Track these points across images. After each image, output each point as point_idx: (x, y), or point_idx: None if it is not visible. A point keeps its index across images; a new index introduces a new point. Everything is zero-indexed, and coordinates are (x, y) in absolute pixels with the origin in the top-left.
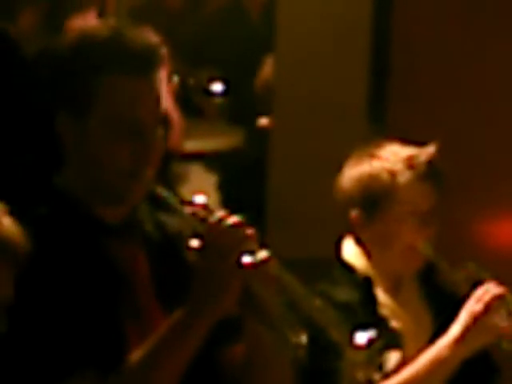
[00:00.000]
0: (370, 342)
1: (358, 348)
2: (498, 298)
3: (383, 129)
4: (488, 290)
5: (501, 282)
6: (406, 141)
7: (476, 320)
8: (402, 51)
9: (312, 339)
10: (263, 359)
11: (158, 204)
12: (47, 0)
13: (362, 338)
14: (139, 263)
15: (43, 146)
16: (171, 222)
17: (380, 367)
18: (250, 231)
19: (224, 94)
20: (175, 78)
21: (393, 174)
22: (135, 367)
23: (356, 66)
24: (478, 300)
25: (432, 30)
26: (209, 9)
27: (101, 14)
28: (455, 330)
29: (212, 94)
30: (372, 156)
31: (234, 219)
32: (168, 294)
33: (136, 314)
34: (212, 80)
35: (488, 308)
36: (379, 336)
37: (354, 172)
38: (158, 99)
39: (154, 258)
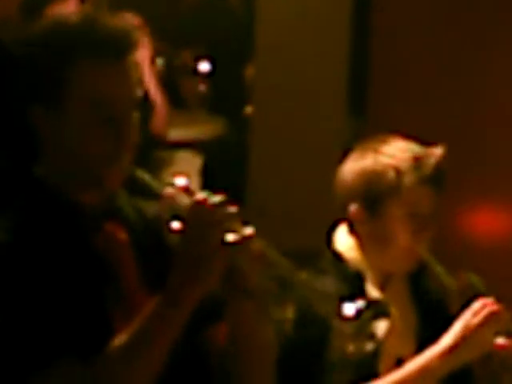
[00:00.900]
0: (359, 312)
1: (347, 319)
2: (494, 314)
3: (363, 121)
4: (486, 305)
5: (499, 298)
6: (410, 137)
7: (470, 333)
8: (382, 42)
9: (299, 313)
10: (248, 337)
11: (136, 189)
12: None
13: (349, 308)
14: (123, 248)
15: (17, 140)
16: (150, 206)
17: (371, 336)
18: (233, 209)
19: (211, 73)
20: (160, 60)
21: (399, 172)
22: (116, 354)
23: (337, 55)
24: (475, 313)
25: (412, 23)
26: None
27: (83, 1)
28: (447, 340)
29: (199, 74)
30: (377, 151)
31: (215, 198)
32: (152, 278)
33: (122, 299)
34: (198, 59)
35: (483, 323)
36: (367, 306)
37: (357, 165)
38: (133, 83)
39: (135, 242)
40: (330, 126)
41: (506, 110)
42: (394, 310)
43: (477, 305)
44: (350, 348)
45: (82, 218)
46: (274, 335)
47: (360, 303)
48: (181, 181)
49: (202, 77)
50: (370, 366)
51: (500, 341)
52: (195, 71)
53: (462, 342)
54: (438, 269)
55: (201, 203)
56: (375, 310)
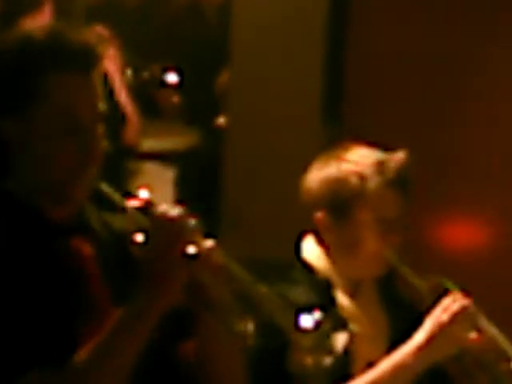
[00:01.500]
0: (317, 324)
1: (305, 331)
2: (464, 310)
3: (338, 129)
4: (455, 301)
5: (467, 293)
6: (362, 141)
7: (441, 329)
8: (356, 51)
9: (260, 327)
10: (216, 351)
11: (103, 203)
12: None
13: (307, 320)
14: (89, 262)
15: None
16: (116, 220)
17: (330, 351)
18: (193, 222)
19: (179, 85)
20: (128, 72)
21: (362, 178)
22: (83, 364)
23: (312, 64)
24: (445, 309)
25: (388, 31)
26: (167, 8)
27: (57, 14)
28: (419, 337)
29: (167, 86)
30: (340, 158)
31: (177, 211)
32: (118, 292)
33: (88, 312)
34: (166, 70)
35: (454, 318)
36: (325, 317)
37: (321, 174)
38: (97, 97)
39: (102, 256)
40: (305, 134)
41: (481, 117)
42: (364, 317)
43: (446, 301)
44: (308, 361)
45: (50, 231)
46: (238, 347)
47: (318, 315)
48: (143, 193)
49: (170, 88)
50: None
51: (471, 336)
52: (163, 83)
53: (433, 338)
54: (407, 271)
55: (161, 217)
56: (334, 322)
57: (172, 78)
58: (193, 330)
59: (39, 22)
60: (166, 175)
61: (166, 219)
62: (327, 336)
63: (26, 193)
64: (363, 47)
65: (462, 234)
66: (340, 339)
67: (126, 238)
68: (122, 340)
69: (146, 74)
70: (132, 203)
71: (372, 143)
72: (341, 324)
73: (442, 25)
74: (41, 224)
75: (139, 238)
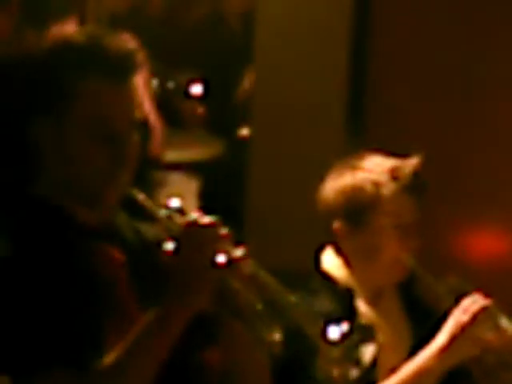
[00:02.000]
0: (344, 336)
1: (332, 343)
2: (484, 310)
3: (361, 138)
4: (475, 301)
5: (485, 294)
6: (385, 151)
7: (462, 330)
8: (380, 60)
9: (287, 336)
10: (241, 361)
11: (135, 211)
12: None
13: (334, 332)
14: (119, 266)
15: (17, 156)
16: (148, 229)
17: (357, 362)
18: (224, 231)
19: (204, 96)
20: (154, 82)
21: (377, 185)
22: (111, 368)
23: (335, 75)
24: (465, 310)
25: (410, 42)
26: (190, 16)
27: (82, 21)
28: (441, 339)
29: (192, 97)
30: (355, 167)
31: (207, 219)
32: (147, 299)
33: (116, 316)
34: (191, 82)
35: (475, 319)
36: (352, 330)
37: (337, 183)
38: (133, 105)
39: (132, 263)
40: (328, 145)
41: (503, 127)
42: (386, 324)
43: (466, 302)
44: (335, 373)
45: (80, 234)
46: (265, 357)
47: (345, 327)
48: (175, 202)
49: (195, 99)
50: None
51: (492, 336)
52: (187, 94)
53: (455, 339)
54: (425, 275)
55: (192, 224)
56: (362, 334)
57: (197, 89)
58: (219, 338)
59: (67, 28)
60: (190, 186)
61: (196, 227)
62: (354, 348)
63: (56, 197)
64: (386, 57)
65: (484, 242)
66: (368, 351)
67: (157, 247)
68: (148, 345)
69: (171, 85)
70: (163, 211)
71: (394, 154)
72: (369, 336)
73: (465, 34)
74: (72, 227)
75: (169, 246)
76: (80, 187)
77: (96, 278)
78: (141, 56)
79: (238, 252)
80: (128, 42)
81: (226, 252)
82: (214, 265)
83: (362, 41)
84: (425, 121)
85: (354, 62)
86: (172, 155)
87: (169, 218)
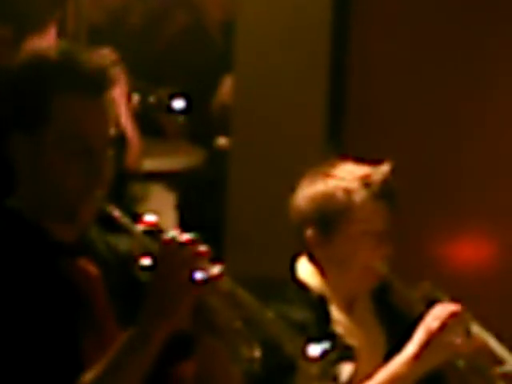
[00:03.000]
0: (324, 354)
1: (312, 360)
2: (454, 316)
3: (341, 148)
4: (444, 308)
5: (458, 300)
6: (360, 159)
7: (432, 337)
8: (360, 70)
9: (266, 353)
10: (216, 375)
11: (108, 225)
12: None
13: (315, 350)
14: (95, 282)
15: None
16: (121, 242)
17: (334, 379)
18: (202, 248)
19: (186, 111)
20: (135, 97)
21: (348, 192)
22: None
23: (315, 86)
24: (435, 317)
25: (392, 47)
26: (170, 28)
27: (60, 34)
28: (412, 347)
29: (173, 112)
30: (326, 175)
31: (185, 237)
32: (123, 313)
33: (93, 333)
34: (173, 96)
35: (444, 325)
36: (333, 348)
37: (308, 191)
38: (108, 120)
39: (107, 277)
40: (308, 155)
41: (485, 136)
42: (360, 331)
43: (436, 309)
44: None
45: (55, 251)
46: (240, 374)
47: (326, 344)
48: (150, 217)
49: (176, 114)
50: None
51: (463, 341)
52: (169, 108)
53: (425, 347)
54: (397, 282)
55: (169, 242)
56: (341, 353)
57: (179, 104)
58: (193, 353)
59: (45, 42)
60: (168, 199)
61: (174, 244)
62: (332, 364)
63: (31, 211)
64: (367, 65)
65: (469, 248)
66: (345, 371)
67: (130, 261)
68: (127, 362)
69: (152, 99)
70: (139, 227)
71: (373, 160)
72: (348, 355)
73: (449, 39)
74: (46, 243)
75: (146, 261)
76: (55, 202)
77: (72, 294)
78: (116, 71)
79: (216, 269)
80: (104, 56)
81: (204, 269)
82: (192, 282)
83: (342, 49)
84: (406, 132)
85: (334, 72)
86: (151, 164)
87: (145, 233)
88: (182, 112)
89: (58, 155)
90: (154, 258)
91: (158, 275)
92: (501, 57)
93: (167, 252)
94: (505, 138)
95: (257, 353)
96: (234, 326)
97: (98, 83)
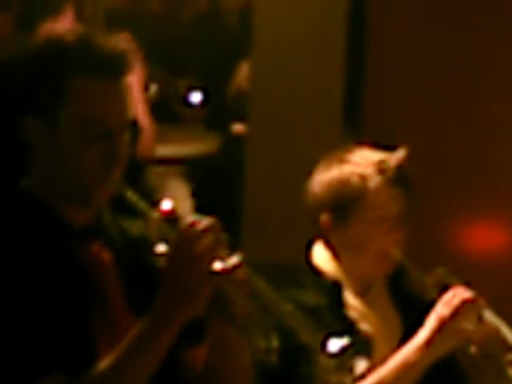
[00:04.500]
0: (343, 349)
1: (331, 355)
2: (466, 303)
3: (359, 135)
4: (456, 295)
5: (471, 287)
6: (377, 145)
7: (444, 324)
8: (377, 56)
9: (284, 344)
10: (226, 363)
11: (120, 207)
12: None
13: (335, 345)
14: (107, 263)
15: (7, 151)
16: (133, 225)
17: (351, 370)
18: (220, 237)
19: (203, 104)
20: (154, 87)
21: (363, 178)
22: (103, 373)
23: (332, 72)
24: (446, 304)
25: (407, 37)
26: (187, 13)
27: (78, 18)
28: (423, 333)
29: (191, 105)
30: (342, 161)
31: (204, 225)
32: (135, 299)
33: (107, 318)
34: (191, 89)
35: (456, 312)
36: (351, 345)
37: (323, 176)
38: (125, 104)
39: (118, 262)
40: (325, 141)
41: (503, 126)
42: (376, 316)
43: (447, 296)
44: (333, 380)
45: (69, 234)
46: (250, 363)
47: (345, 340)
48: (167, 204)
49: (194, 107)
50: None
51: (475, 327)
52: (187, 101)
53: (437, 333)
54: (411, 267)
55: (190, 229)
56: (358, 346)
57: (196, 97)
58: (204, 338)
59: (61, 25)
60: (183, 191)
61: (195, 232)
62: (350, 357)
63: (45, 194)
64: (383, 51)
65: (484, 234)
66: (361, 365)
67: (143, 246)
68: (142, 351)
69: (170, 90)
70: (156, 213)
71: (389, 146)
72: (365, 350)
73: (461, 34)
74: (59, 226)
75: (162, 248)
76: (71, 185)
77: (86, 280)
78: (134, 56)
79: (234, 259)
80: (121, 41)
81: (222, 258)
82: (210, 272)
83: (359, 37)
84: (422, 115)
85: (351, 59)
86: (168, 150)
87: (162, 219)
88: (198, 105)
89: (74, 138)
90: (171, 246)
91: (176, 263)
92: None
93: (187, 239)
94: None
95: (274, 343)
96: (251, 316)
97: (115, 67)
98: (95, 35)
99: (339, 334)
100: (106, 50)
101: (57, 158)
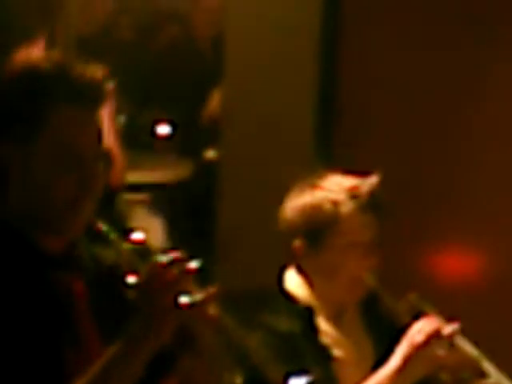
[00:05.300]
0: None
1: None
2: (438, 330)
3: (330, 161)
4: (429, 322)
5: (443, 313)
6: (348, 171)
7: (416, 350)
8: (351, 86)
9: (247, 380)
10: None
11: (92, 236)
12: None
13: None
14: (79, 294)
15: None
16: (106, 254)
17: None
18: (190, 265)
19: (170, 136)
20: (122, 119)
21: (335, 204)
22: None
23: (303, 100)
24: (419, 331)
25: (382, 52)
26: (159, 40)
27: (50, 43)
28: (395, 360)
29: (158, 137)
30: (314, 186)
31: (171, 256)
32: (105, 326)
33: (76, 346)
34: (157, 122)
35: (428, 340)
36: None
37: (296, 202)
38: (99, 133)
39: (90, 291)
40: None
41: (474, 151)
42: (348, 342)
43: (420, 323)
44: None
45: (43, 263)
46: None
47: (308, 379)
48: (138, 235)
49: (162, 139)
50: None
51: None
52: (153, 133)
53: (408, 360)
54: (384, 293)
55: (157, 263)
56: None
57: (164, 129)
58: (173, 369)
59: (36, 51)
60: (155, 222)
61: (159, 268)
62: None
63: (20, 221)
64: (357, 75)
65: (456, 260)
66: None
67: (114, 273)
68: (110, 379)
69: (139, 121)
70: (127, 244)
71: (362, 172)
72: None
73: (440, 48)
74: (33, 254)
75: (132, 279)
76: (45, 213)
77: (56, 309)
78: (108, 85)
79: (200, 294)
80: (97, 70)
81: (190, 293)
82: (177, 306)
83: (331, 65)
84: (395, 142)
85: (324, 85)
86: (139, 178)
87: (132, 251)
88: (166, 137)
89: (50, 165)
90: (140, 277)
91: (143, 298)
92: (500, 57)
93: (152, 275)
94: (494, 149)
95: (238, 380)
96: (217, 351)
97: (93, 96)
98: (71, 63)
99: (301, 373)
100: (85, 79)
101: (32, 186)
